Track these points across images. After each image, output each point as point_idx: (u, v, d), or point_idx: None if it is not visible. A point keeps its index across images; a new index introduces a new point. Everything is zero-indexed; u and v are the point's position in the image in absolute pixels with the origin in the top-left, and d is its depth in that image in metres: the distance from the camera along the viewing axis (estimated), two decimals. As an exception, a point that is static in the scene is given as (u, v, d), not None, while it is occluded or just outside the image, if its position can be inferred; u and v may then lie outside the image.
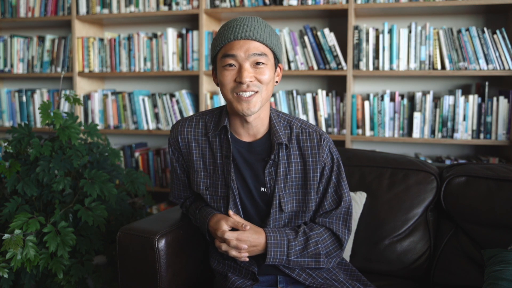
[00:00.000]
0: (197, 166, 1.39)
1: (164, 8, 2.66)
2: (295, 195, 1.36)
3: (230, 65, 1.24)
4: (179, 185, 1.50)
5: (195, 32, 2.66)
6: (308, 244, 1.33)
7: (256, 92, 1.24)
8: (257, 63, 1.23)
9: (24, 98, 3.00)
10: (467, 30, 2.30)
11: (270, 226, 1.34)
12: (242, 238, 1.28)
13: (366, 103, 2.44)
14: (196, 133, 1.39)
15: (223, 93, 1.27)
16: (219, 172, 1.37)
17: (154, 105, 2.76)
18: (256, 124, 1.32)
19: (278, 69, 1.34)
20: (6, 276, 1.58)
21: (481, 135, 2.33)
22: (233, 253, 1.29)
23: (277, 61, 1.31)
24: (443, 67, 2.36)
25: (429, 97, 2.37)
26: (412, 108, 2.41)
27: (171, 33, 2.69)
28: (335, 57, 2.46)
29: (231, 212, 1.33)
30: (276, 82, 1.34)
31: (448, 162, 2.43)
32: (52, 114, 1.78)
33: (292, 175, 1.35)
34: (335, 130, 2.52)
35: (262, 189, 1.35)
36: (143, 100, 2.76)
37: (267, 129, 1.36)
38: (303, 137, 1.36)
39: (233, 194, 1.34)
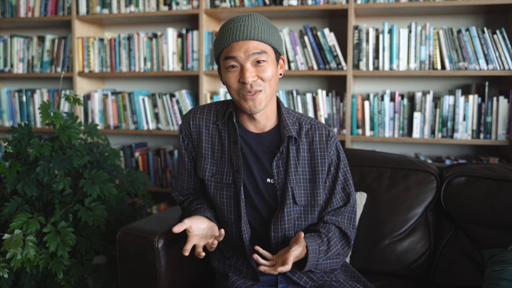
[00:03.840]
0: (205, 152, 1.41)
1: (164, 8, 2.66)
2: (304, 189, 1.37)
3: (233, 66, 1.27)
4: (183, 175, 1.49)
5: (195, 32, 2.66)
6: (330, 246, 1.34)
7: (260, 90, 1.27)
8: (258, 61, 1.26)
9: (24, 98, 3.00)
10: (467, 30, 2.30)
11: (285, 219, 1.33)
12: (292, 258, 1.22)
13: (366, 103, 2.44)
14: (208, 120, 1.42)
15: (230, 93, 1.31)
16: (226, 159, 1.38)
17: (154, 105, 2.76)
18: (263, 119, 1.36)
19: (280, 61, 1.36)
20: (6, 276, 1.58)
21: (481, 135, 2.33)
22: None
23: (278, 54, 1.32)
24: (443, 67, 2.36)
25: (429, 97, 2.37)
26: (412, 108, 2.41)
27: (171, 33, 2.69)
28: (335, 57, 2.46)
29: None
30: (280, 74, 1.36)
31: (448, 162, 2.43)
32: (52, 114, 1.78)
33: (301, 168, 1.36)
34: (335, 130, 2.52)
35: (268, 180, 1.36)
36: (143, 100, 2.76)
37: (275, 123, 1.38)
38: (312, 132, 1.39)
39: (239, 180, 1.34)
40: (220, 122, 1.40)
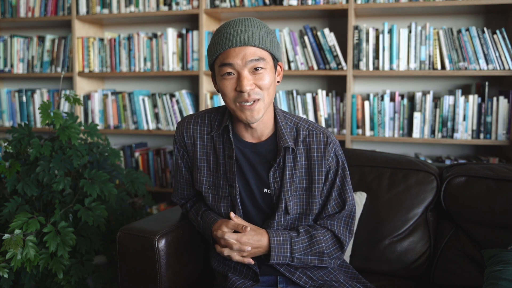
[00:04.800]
0: (200, 164, 1.39)
1: (164, 8, 2.66)
2: (299, 198, 1.35)
3: (229, 73, 1.22)
4: (182, 184, 1.48)
5: (195, 32, 2.66)
6: (312, 242, 1.32)
7: (258, 99, 1.22)
8: (256, 69, 1.21)
9: (24, 98, 3.00)
10: (467, 30, 2.30)
11: (274, 228, 1.33)
12: (243, 240, 1.27)
13: (366, 103, 2.45)
14: (202, 131, 1.39)
15: (225, 102, 1.26)
16: (221, 172, 1.36)
17: (154, 105, 2.76)
18: (260, 127, 1.32)
19: (278, 68, 1.31)
20: (6, 276, 1.58)
21: (481, 135, 2.33)
22: (237, 257, 1.29)
23: (276, 61, 1.28)
24: (443, 67, 2.36)
25: (429, 97, 2.37)
26: (412, 108, 2.41)
27: (171, 33, 2.69)
28: (335, 57, 2.46)
29: (232, 214, 1.32)
30: (278, 82, 1.32)
31: (448, 162, 2.43)
32: (52, 114, 1.78)
33: (298, 177, 1.34)
34: (335, 130, 2.52)
35: (265, 190, 1.34)
36: (143, 100, 2.76)
37: (272, 131, 1.35)
38: (310, 139, 1.34)
39: (235, 195, 1.33)
40: (215, 134, 1.36)
